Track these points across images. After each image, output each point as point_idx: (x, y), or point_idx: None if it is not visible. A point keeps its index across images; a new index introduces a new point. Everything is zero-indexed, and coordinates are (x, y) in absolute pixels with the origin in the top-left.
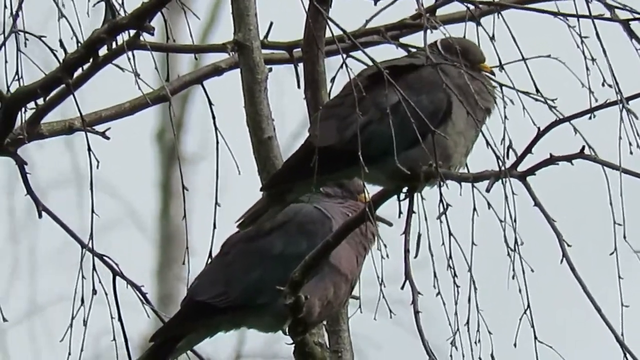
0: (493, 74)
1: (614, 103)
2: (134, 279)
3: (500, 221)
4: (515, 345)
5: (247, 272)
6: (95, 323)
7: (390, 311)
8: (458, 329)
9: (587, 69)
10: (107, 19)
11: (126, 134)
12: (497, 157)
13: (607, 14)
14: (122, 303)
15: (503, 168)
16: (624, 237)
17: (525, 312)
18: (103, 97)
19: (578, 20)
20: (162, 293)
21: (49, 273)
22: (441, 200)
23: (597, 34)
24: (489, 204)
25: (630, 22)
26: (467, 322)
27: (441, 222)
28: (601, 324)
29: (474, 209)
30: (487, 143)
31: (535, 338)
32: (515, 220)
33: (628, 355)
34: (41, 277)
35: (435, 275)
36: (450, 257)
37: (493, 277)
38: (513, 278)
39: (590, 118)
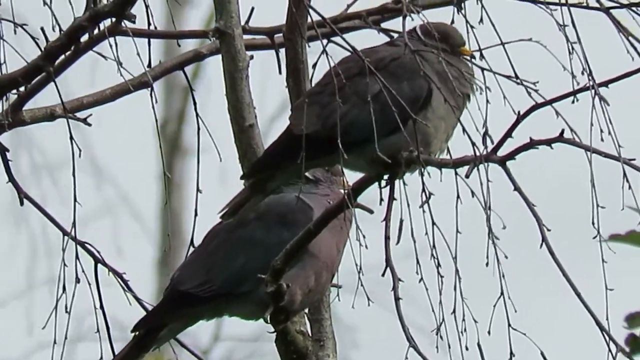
0: (473, 57)
1: (587, 88)
2: (134, 272)
3: (484, 207)
4: (489, 332)
5: (230, 261)
6: (77, 306)
7: (369, 299)
8: (443, 320)
9: (569, 51)
10: (88, 7)
11: (130, 124)
12: (473, 144)
13: (591, 2)
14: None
15: (482, 153)
16: (592, 223)
17: (499, 299)
18: (90, 85)
19: (561, 8)
20: (163, 286)
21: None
22: (423, 190)
23: (572, 22)
24: (472, 192)
25: (611, 10)
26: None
27: (424, 211)
28: (583, 311)
29: (457, 196)
30: (464, 130)
31: (509, 325)
32: (489, 207)
33: (611, 341)
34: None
35: (417, 262)
36: (434, 246)
37: (476, 263)
38: (487, 265)
39: (573, 102)
